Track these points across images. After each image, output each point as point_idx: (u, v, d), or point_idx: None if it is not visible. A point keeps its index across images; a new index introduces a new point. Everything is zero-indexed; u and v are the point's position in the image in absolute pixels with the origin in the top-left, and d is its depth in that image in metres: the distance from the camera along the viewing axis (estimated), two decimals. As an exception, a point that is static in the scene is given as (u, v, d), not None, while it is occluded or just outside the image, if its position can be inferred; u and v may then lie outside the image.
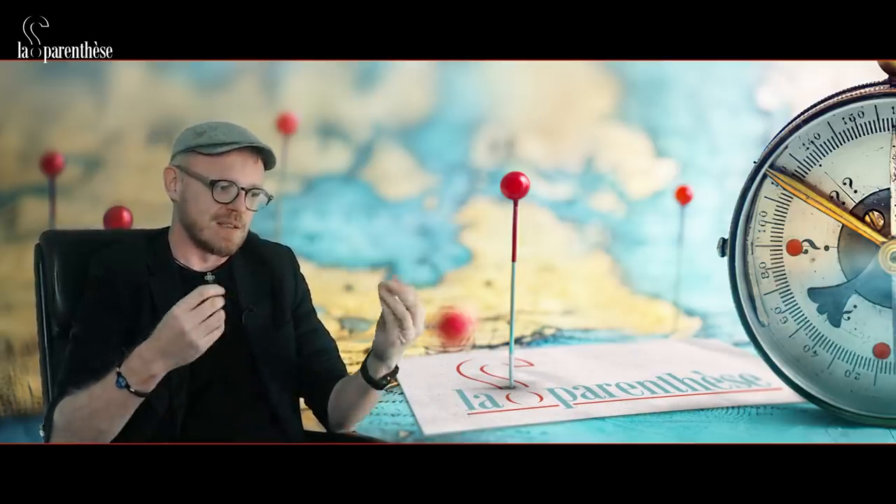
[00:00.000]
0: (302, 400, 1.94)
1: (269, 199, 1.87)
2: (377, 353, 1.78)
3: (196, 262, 1.86)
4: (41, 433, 1.78)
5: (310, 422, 1.96)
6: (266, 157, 1.86)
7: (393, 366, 1.80)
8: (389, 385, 1.83)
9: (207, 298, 1.65)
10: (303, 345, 1.91)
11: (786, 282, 2.45)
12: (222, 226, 1.82)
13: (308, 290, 1.98)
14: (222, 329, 1.67)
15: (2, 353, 3.08)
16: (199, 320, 1.65)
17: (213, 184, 1.80)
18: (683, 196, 3.49)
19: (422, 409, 2.58)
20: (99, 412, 1.68)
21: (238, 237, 1.84)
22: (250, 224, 1.88)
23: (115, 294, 1.79)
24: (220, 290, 1.68)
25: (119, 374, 1.67)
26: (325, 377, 1.89)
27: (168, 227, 1.90)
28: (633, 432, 2.44)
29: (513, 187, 2.64)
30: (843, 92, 2.36)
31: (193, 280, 1.84)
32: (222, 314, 1.67)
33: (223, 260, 1.88)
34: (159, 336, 1.66)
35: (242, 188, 1.81)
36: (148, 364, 1.66)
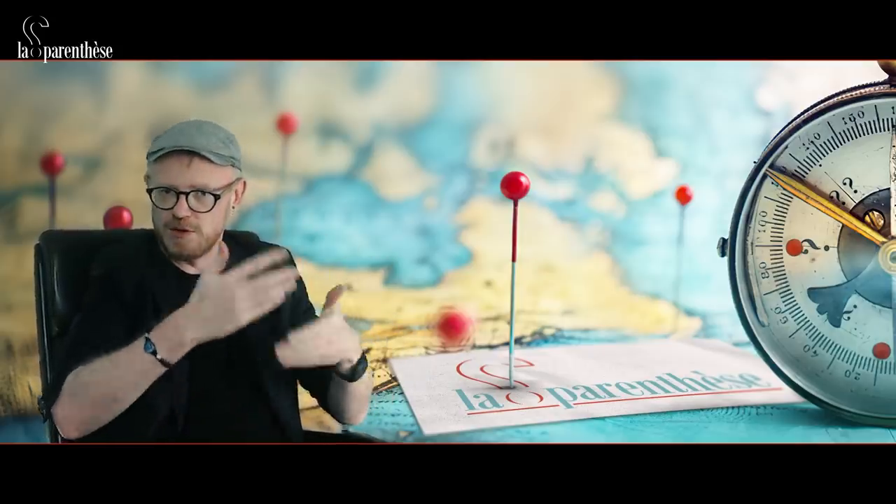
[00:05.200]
0: (301, 399, 1.94)
1: (217, 197, 1.81)
2: None
3: (185, 265, 1.86)
4: (40, 405, 1.76)
5: (309, 422, 1.96)
6: (203, 156, 1.79)
7: (353, 358, 1.81)
8: (364, 372, 1.84)
9: (263, 270, 1.68)
10: None
11: (786, 282, 2.45)
12: (173, 231, 1.81)
13: (305, 291, 1.98)
14: (272, 305, 1.69)
15: (2, 353, 3.08)
16: (250, 290, 1.67)
17: (151, 192, 1.80)
18: (683, 196, 3.49)
19: (422, 409, 2.58)
20: (118, 379, 1.67)
21: (192, 242, 1.81)
22: (219, 227, 1.83)
23: (119, 290, 1.79)
24: (284, 259, 1.72)
25: (147, 339, 1.66)
26: (323, 374, 1.89)
27: None
28: (633, 432, 2.44)
29: (513, 187, 2.64)
30: (843, 92, 2.36)
31: (189, 282, 1.84)
32: (277, 292, 1.69)
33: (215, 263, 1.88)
34: (201, 302, 1.67)
35: (181, 192, 1.79)
36: (182, 330, 1.67)
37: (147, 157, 1.83)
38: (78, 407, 1.68)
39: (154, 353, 1.66)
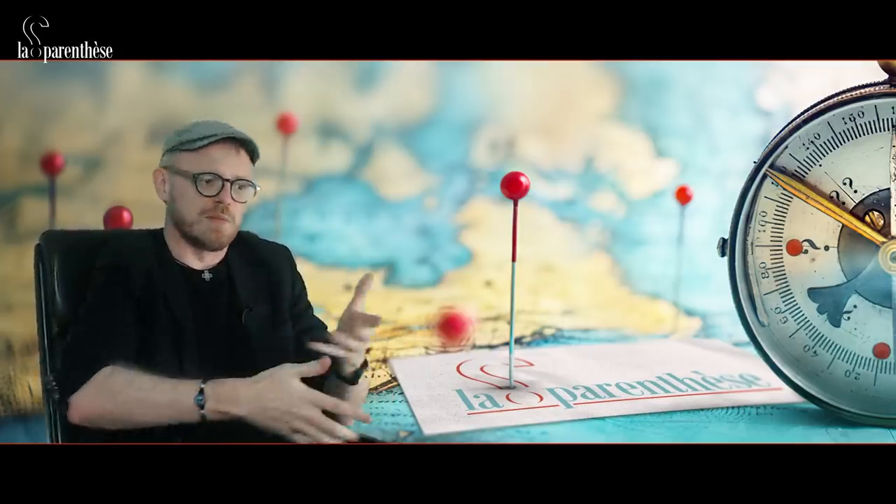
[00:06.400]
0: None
1: (256, 190, 1.87)
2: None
3: (192, 260, 1.87)
4: (50, 385, 1.76)
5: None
6: (249, 149, 1.86)
7: (358, 363, 1.82)
8: (362, 377, 1.85)
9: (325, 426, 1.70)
10: (301, 342, 1.92)
11: (786, 282, 2.45)
12: (211, 219, 1.82)
13: (304, 287, 1.99)
14: (303, 440, 1.70)
15: (2, 353, 3.08)
16: (307, 421, 1.69)
17: (195, 177, 1.81)
18: (683, 196, 3.49)
19: (422, 409, 2.58)
20: (152, 406, 1.68)
21: (228, 230, 1.84)
22: (241, 221, 1.88)
23: (129, 279, 1.80)
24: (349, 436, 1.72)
25: (201, 390, 1.68)
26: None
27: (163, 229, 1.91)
28: (633, 432, 2.44)
29: (513, 187, 2.64)
30: (843, 92, 2.36)
31: (193, 278, 1.85)
32: (318, 436, 1.71)
33: (219, 259, 1.89)
34: (268, 390, 1.68)
35: (227, 180, 1.82)
36: (237, 400, 1.68)
37: (175, 148, 1.84)
38: (100, 405, 1.69)
39: (202, 406, 1.67)
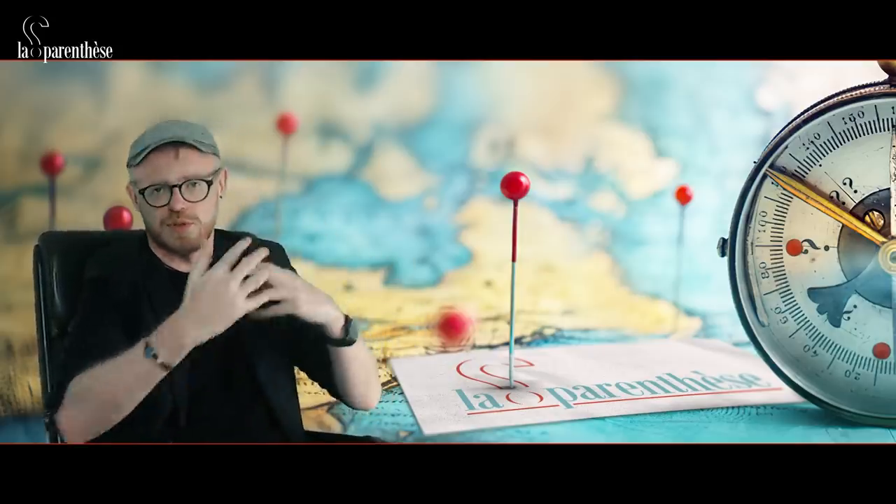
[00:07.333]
0: (301, 400, 1.94)
1: (209, 183, 1.81)
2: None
3: (178, 263, 1.86)
4: (45, 417, 1.75)
5: (309, 422, 1.95)
6: (190, 146, 1.80)
7: (334, 316, 1.79)
8: (356, 332, 1.81)
9: (244, 256, 1.66)
10: (301, 331, 1.89)
11: (786, 282, 2.45)
12: (172, 227, 1.81)
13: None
14: (263, 293, 1.68)
15: (2, 353, 3.08)
16: (240, 279, 1.66)
17: (143, 193, 1.80)
18: (683, 196, 3.48)
19: (422, 409, 2.58)
20: (119, 384, 1.66)
21: (192, 232, 1.81)
22: (214, 216, 1.84)
23: (114, 292, 1.79)
24: (261, 251, 1.69)
25: (147, 345, 1.65)
26: (319, 351, 1.87)
27: None
28: (633, 432, 2.44)
29: (513, 187, 2.64)
30: (843, 92, 2.36)
31: (182, 281, 1.84)
32: (262, 275, 1.68)
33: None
34: (195, 303, 1.66)
35: (174, 185, 1.79)
36: (181, 333, 1.65)
37: (129, 165, 1.83)
38: (80, 414, 1.68)
39: (155, 356, 1.66)
